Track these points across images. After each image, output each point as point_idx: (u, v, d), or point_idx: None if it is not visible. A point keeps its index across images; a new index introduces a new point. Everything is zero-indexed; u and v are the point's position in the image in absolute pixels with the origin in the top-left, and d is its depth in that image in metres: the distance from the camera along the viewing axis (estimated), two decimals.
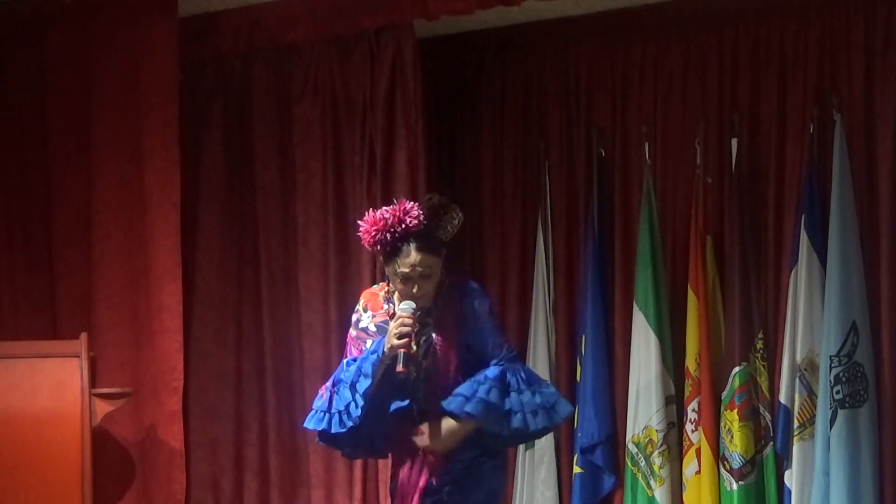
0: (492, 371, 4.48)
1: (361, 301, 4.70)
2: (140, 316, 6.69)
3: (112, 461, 6.59)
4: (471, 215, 6.98)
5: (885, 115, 6.08)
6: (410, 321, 4.42)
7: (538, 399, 4.49)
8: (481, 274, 6.91)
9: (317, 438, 4.69)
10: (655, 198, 6.52)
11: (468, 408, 4.41)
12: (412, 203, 4.54)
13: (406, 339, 4.40)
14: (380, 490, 6.53)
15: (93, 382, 6.29)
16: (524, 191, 6.94)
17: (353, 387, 4.49)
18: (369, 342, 4.56)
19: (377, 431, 4.56)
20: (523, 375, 4.52)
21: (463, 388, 4.44)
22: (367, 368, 4.47)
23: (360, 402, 4.45)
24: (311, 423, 4.62)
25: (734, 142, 6.39)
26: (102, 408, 6.27)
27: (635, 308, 6.46)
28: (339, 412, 4.52)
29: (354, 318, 4.70)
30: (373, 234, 4.49)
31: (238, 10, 6.84)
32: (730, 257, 6.31)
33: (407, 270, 4.46)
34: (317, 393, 6.83)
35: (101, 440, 6.44)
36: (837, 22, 6.21)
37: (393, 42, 6.60)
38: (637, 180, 6.62)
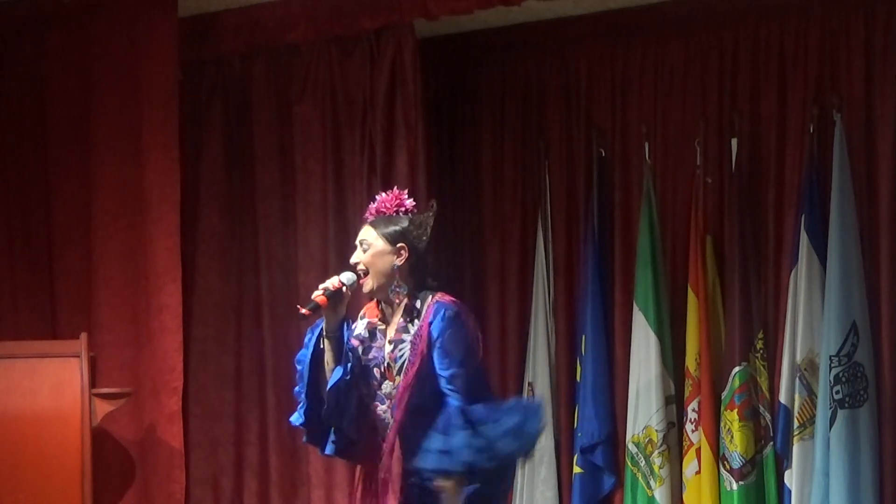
0: (451, 414, 4.39)
1: (363, 310, 4.70)
2: (140, 316, 6.69)
3: (112, 461, 6.59)
4: (471, 215, 7.01)
5: (885, 115, 6.08)
6: (335, 280, 4.46)
7: (501, 428, 4.37)
8: (481, 274, 6.92)
9: (304, 438, 4.72)
10: (655, 198, 6.52)
11: (447, 465, 4.34)
12: (400, 196, 4.60)
13: (321, 291, 4.42)
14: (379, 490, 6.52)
15: (93, 382, 6.29)
16: (524, 191, 6.94)
17: (298, 363, 4.57)
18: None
19: (340, 423, 4.52)
20: (481, 412, 4.40)
21: (435, 443, 4.37)
22: (307, 339, 4.55)
23: (304, 372, 4.50)
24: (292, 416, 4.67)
25: (734, 142, 6.39)
26: (102, 408, 6.27)
27: (635, 308, 6.46)
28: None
29: (353, 326, 4.70)
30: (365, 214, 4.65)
31: (238, 10, 6.84)
32: (730, 257, 6.31)
33: (357, 241, 4.56)
34: None
35: (101, 440, 6.44)
36: (837, 22, 6.21)
37: (393, 42, 6.60)
38: (637, 180, 6.62)
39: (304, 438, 4.70)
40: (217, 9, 6.86)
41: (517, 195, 6.95)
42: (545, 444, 6.64)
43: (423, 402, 4.40)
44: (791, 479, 6.10)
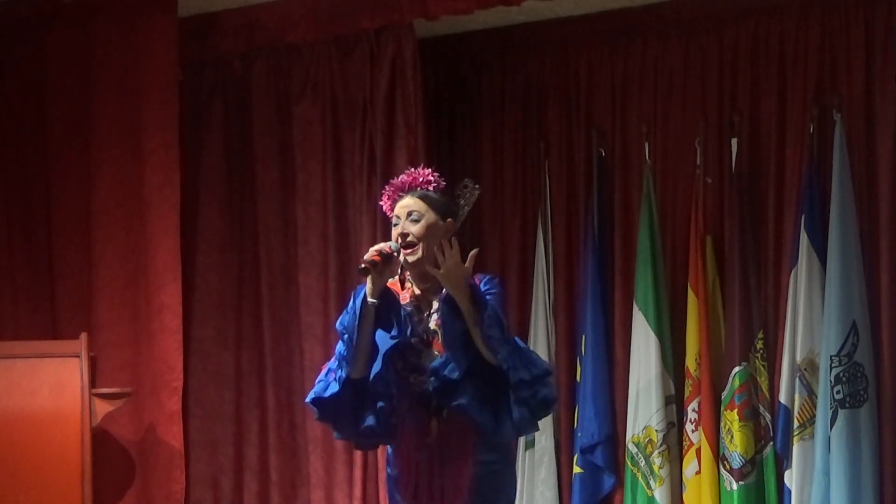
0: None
1: None
2: (140, 316, 6.70)
3: (112, 461, 6.59)
4: (471, 215, 7.00)
5: (885, 115, 6.08)
6: (385, 245, 4.37)
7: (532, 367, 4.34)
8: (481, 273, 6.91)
9: (316, 416, 4.52)
10: (655, 198, 6.52)
11: (488, 301, 4.28)
12: (433, 173, 4.53)
13: (375, 252, 4.33)
14: (380, 490, 6.53)
15: (93, 382, 6.30)
16: (524, 191, 6.94)
17: (341, 332, 4.41)
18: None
19: (380, 392, 4.37)
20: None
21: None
22: (351, 306, 4.39)
23: (350, 340, 4.34)
24: (308, 396, 4.48)
25: (734, 142, 6.40)
26: (102, 408, 6.27)
27: (635, 308, 6.46)
28: (333, 370, 4.42)
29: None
30: (387, 190, 4.53)
31: (238, 10, 6.84)
32: (730, 257, 6.32)
33: (398, 212, 4.45)
34: None
35: (101, 440, 6.44)
36: (837, 22, 6.22)
37: (393, 42, 6.60)
38: (637, 180, 6.62)
39: (317, 416, 4.50)
40: (217, 9, 6.86)
41: (517, 195, 6.95)
42: (545, 444, 6.64)
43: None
44: (791, 479, 6.10)
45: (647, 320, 6.40)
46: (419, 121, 6.56)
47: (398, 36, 6.59)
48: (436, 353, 4.40)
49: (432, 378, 4.36)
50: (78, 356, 6.27)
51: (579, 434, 6.53)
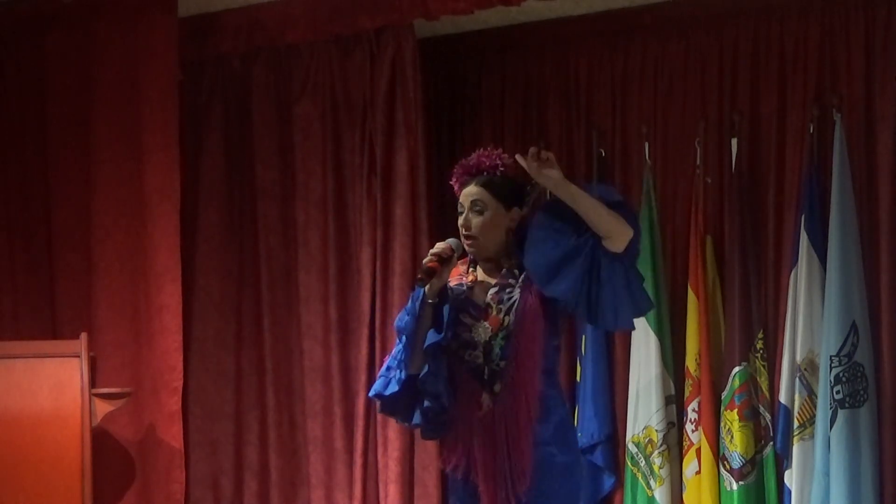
0: None
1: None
2: (140, 316, 6.70)
3: (112, 461, 6.59)
4: None
5: (885, 115, 6.08)
6: (445, 246, 4.34)
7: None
8: None
9: (378, 409, 4.54)
10: (655, 198, 6.52)
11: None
12: (501, 155, 4.48)
13: (433, 256, 4.30)
14: (379, 490, 6.53)
15: (93, 382, 6.30)
16: None
17: (400, 332, 4.40)
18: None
19: (428, 391, 4.35)
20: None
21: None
22: (410, 306, 4.38)
23: (408, 341, 4.33)
24: (371, 391, 4.51)
25: (734, 142, 6.39)
26: (102, 408, 6.27)
27: None
28: (393, 368, 4.42)
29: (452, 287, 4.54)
30: (456, 171, 4.50)
31: (238, 10, 6.84)
32: (730, 257, 6.31)
33: (463, 200, 4.41)
34: (316, 393, 6.86)
35: (101, 440, 6.44)
36: (837, 22, 6.22)
37: (393, 42, 6.61)
38: (637, 180, 6.62)
39: (380, 408, 4.55)
40: (217, 9, 6.86)
41: None
42: None
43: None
44: (791, 479, 6.10)
45: (647, 320, 6.38)
46: (419, 121, 6.56)
47: (398, 36, 6.59)
48: (488, 326, 4.37)
49: (486, 352, 4.35)
50: (78, 356, 6.27)
51: (579, 434, 6.52)
